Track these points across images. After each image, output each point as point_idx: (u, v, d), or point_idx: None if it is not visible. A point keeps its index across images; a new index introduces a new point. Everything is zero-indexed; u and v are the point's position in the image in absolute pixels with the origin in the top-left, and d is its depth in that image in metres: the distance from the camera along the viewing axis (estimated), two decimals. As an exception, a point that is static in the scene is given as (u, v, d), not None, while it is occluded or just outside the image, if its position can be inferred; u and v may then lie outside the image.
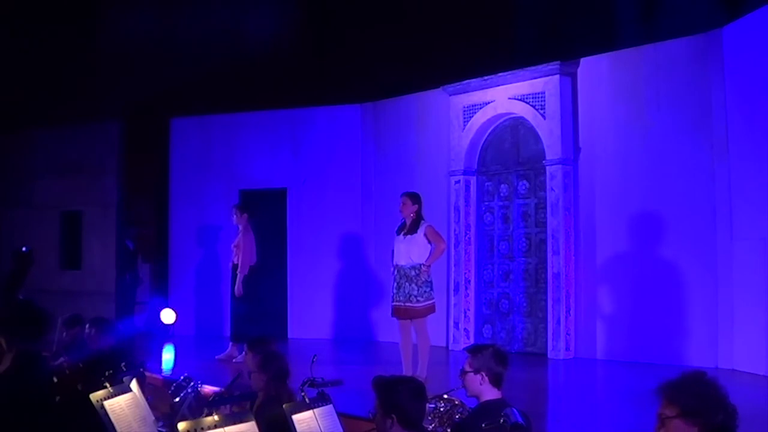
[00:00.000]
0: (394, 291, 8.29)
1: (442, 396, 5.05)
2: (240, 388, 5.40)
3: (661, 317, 9.50)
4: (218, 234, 12.65)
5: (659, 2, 11.65)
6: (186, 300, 13.08)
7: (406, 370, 8.06)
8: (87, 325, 6.83)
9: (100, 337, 6.54)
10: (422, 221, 8.29)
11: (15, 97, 13.70)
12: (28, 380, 4.41)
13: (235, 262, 10.22)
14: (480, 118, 11.07)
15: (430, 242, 8.21)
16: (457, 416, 4.91)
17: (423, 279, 8.12)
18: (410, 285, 8.13)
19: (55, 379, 5.44)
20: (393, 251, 8.40)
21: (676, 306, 9.37)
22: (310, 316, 12.56)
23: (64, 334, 7.20)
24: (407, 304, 8.15)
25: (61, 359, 6.61)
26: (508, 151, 11.06)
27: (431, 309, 8.24)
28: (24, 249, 11.18)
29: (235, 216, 10.38)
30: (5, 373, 4.46)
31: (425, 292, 8.13)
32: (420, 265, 8.14)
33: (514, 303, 10.84)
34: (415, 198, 8.36)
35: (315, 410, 4.07)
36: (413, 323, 8.19)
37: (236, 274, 10.16)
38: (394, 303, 8.29)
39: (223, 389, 5.74)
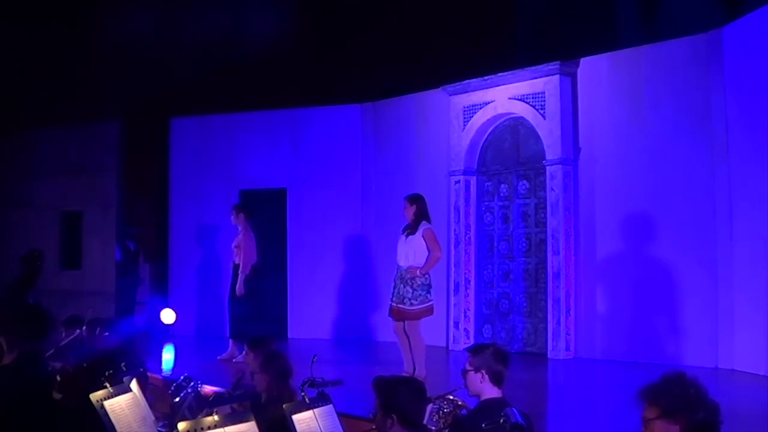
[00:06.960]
0: (392, 290, 8.27)
1: (445, 396, 5.06)
2: (244, 388, 5.40)
3: (661, 317, 9.50)
4: (218, 234, 12.65)
5: (659, 2, 11.65)
6: (186, 300, 13.08)
7: (408, 367, 8.04)
8: (84, 327, 6.82)
9: (99, 337, 6.55)
10: (422, 222, 8.18)
11: (15, 97, 13.70)
12: (28, 380, 4.43)
13: (236, 262, 10.24)
14: (480, 118, 11.07)
15: (428, 247, 8.09)
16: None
17: (419, 282, 8.02)
18: (405, 287, 8.04)
19: (58, 378, 5.44)
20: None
21: (676, 306, 9.37)
22: (310, 316, 12.56)
23: (63, 334, 7.20)
24: (400, 305, 8.07)
25: (61, 362, 6.59)
26: (508, 151, 11.06)
27: (426, 312, 8.11)
28: (34, 251, 11.18)
29: (233, 216, 10.43)
30: (6, 372, 4.48)
31: (420, 295, 8.01)
32: (415, 267, 8.02)
33: (514, 303, 10.85)
34: (412, 199, 8.30)
35: (315, 410, 4.07)
36: (406, 325, 8.10)
37: (237, 274, 10.18)
38: (390, 303, 8.26)
39: (225, 390, 5.74)
